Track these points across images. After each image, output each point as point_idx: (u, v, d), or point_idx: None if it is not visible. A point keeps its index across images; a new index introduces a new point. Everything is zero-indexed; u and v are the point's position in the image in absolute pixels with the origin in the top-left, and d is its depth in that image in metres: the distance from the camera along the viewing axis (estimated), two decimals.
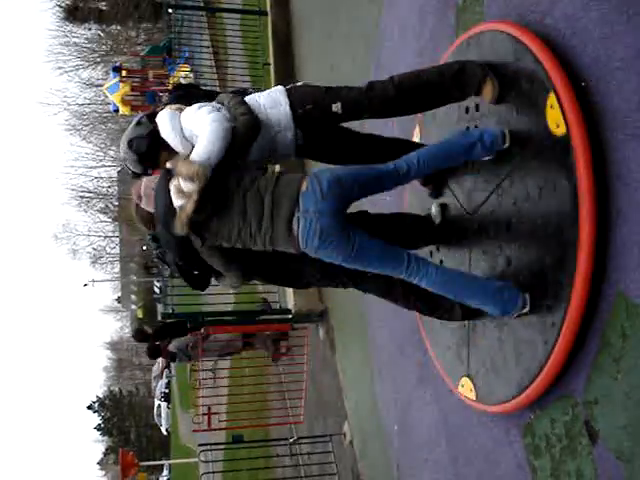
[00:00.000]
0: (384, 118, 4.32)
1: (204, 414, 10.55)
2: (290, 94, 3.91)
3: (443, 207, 4.38)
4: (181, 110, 3.85)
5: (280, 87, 3.97)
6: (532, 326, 3.51)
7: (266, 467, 9.92)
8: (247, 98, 3.94)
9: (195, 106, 3.80)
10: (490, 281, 3.72)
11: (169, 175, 3.60)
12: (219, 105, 3.82)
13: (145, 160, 3.90)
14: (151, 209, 3.82)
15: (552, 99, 3.29)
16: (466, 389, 4.21)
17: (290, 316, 9.79)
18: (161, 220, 3.67)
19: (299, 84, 4.02)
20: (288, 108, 3.87)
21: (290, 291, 9.70)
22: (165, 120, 3.83)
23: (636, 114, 2.89)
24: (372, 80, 3.95)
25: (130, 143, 3.88)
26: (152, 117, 3.92)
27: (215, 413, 10.73)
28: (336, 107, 3.84)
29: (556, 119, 3.26)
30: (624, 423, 2.97)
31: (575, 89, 3.23)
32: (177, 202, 3.53)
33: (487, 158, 3.78)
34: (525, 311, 3.51)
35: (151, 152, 3.88)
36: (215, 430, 10.04)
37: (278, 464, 9.89)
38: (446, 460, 4.86)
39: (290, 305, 9.85)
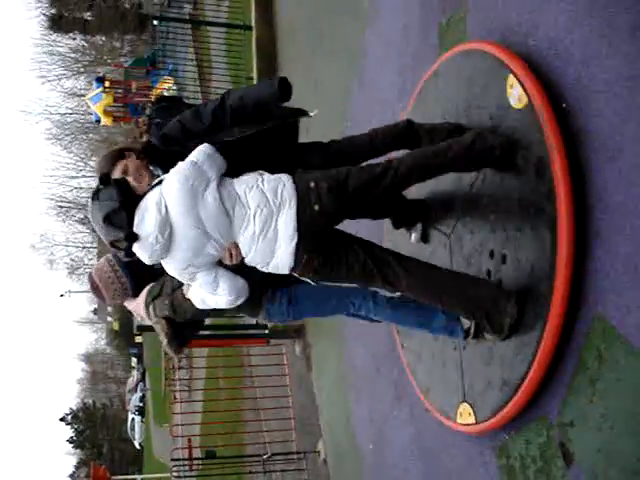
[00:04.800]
0: None
1: (184, 448, 10.45)
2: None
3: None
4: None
5: (293, 247, 3.43)
6: (508, 346, 3.50)
7: None
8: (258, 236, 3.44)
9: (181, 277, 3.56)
10: (433, 322, 3.90)
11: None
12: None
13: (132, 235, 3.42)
14: (108, 299, 3.89)
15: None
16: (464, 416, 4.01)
17: (266, 331, 9.73)
18: None
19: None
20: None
21: None
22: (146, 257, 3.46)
23: (616, 136, 2.90)
24: (386, 282, 3.54)
25: (108, 220, 3.38)
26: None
27: (196, 447, 10.63)
28: None
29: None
30: (599, 446, 2.96)
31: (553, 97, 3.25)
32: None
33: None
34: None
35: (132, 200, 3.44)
36: (197, 467, 10.00)
37: None
38: (420, 479, 4.84)
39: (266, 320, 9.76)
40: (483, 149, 3.48)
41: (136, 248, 3.42)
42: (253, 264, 3.52)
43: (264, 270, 3.55)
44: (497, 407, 3.57)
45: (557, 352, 3.21)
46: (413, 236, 4.46)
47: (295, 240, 3.37)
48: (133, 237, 3.38)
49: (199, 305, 3.63)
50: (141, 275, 3.82)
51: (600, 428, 2.95)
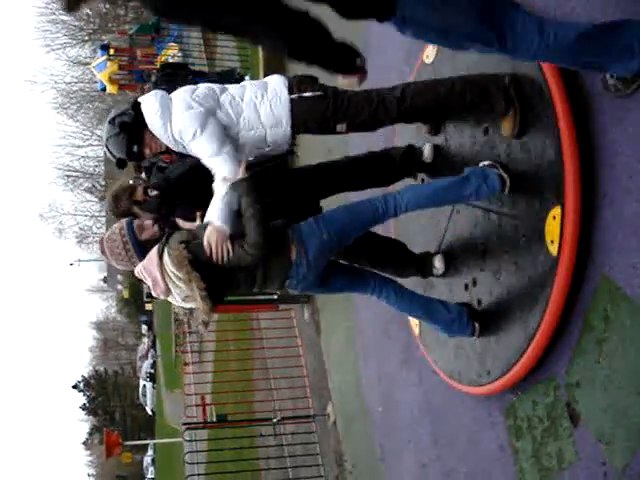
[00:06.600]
0: None
1: (197, 405, 10.49)
2: (293, 108, 3.65)
3: (436, 148, 4.30)
4: None
5: (285, 96, 3.66)
6: (516, 307, 3.52)
7: (250, 447, 9.95)
8: (247, 108, 3.66)
9: (189, 121, 3.57)
10: (444, 313, 3.94)
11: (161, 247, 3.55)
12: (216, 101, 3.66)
13: (128, 133, 3.69)
14: (115, 265, 3.85)
15: None
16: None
17: (275, 297, 9.78)
18: None
19: (306, 94, 3.67)
20: (289, 129, 3.68)
21: None
22: (154, 111, 3.65)
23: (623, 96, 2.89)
24: (383, 94, 3.69)
25: (112, 120, 3.73)
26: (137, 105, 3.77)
27: (210, 404, 10.67)
28: (341, 127, 3.74)
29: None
30: (605, 406, 2.99)
31: None
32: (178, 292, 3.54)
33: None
34: (473, 339, 3.90)
35: (135, 126, 3.69)
36: (211, 426, 10.03)
37: (262, 444, 9.92)
38: (429, 441, 4.89)
39: None
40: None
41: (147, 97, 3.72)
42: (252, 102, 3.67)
43: (266, 109, 3.65)
44: (504, 368, 3.60)
45: (564, 313, 3.23)
46: (437, 266, 4.28)
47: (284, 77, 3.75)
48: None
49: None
50: (149, 247, 3.73)
51: (606, 388, 2.98)
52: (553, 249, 3.19)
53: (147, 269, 3.56)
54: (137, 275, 3.68)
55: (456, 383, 4.20)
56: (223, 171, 3.55)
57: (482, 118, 3.83)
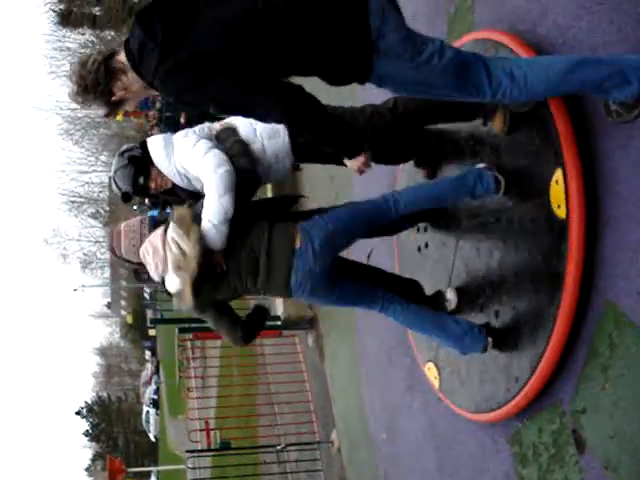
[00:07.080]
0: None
1: (201, 430, 10.43)
2: None
3: None
4: None
5: None
6: (520, 335, 3.51)
7: (254, 474, 9.88)
8: (242, 125, 3.78)
9: (189, 142, 3.67)
10: (454, 327, 3.85)
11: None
12: (211, 138, 3.74)
13: (136, 166, 3.80)
14: (124, 248, 3.80)
15: None
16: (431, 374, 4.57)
17: (279, 323, 9.77)
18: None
19: None
20: (287, 138, 3.75)
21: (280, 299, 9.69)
22: (158, 146, 3.77)
23: (625, 123, 2.90)
24: (376, 106, 3.91)
25: (122, 153, 3.85)
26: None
27: (213, 429, 10.60)
28: None
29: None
30: (611, 432, 2.97)
31: None
32: (173, 276, 3.51)
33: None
34: (487, 352, 3.78)
35: (143, 160, 3.80)
36: (215, 453, 10.00)
37: (266, 471, 9.86)
38: (433, 468, 4.85)
39: (279, 312, 9.83)
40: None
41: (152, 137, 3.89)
42: None
43: None
44: (510, 395, 3.58)
45: (569, 339, 3.22)
46: (449, 298, 4.24)
47: None
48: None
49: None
50: None
51: (612, 415, 2.96)
52: (561, 212, 3.18)
53: (151, 242, 3.58)
54: (140, 255, 3.66)
55: (483, 414, 3.96)
56: (212, 164, 3.53)
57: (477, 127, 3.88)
